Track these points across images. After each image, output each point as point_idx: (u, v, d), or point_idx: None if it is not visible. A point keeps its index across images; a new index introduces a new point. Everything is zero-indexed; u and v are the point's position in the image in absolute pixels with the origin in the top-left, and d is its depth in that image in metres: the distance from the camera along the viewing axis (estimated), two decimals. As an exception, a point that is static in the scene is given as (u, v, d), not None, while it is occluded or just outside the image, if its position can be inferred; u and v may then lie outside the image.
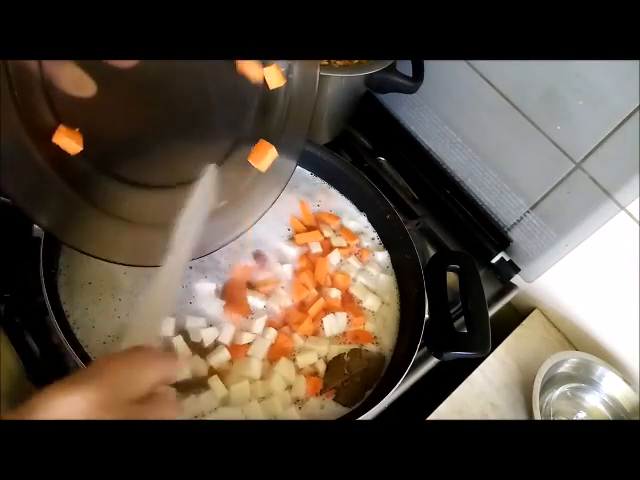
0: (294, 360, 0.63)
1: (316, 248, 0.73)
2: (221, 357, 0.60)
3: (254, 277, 0.69)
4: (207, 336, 0.61)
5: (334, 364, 0.64)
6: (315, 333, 0.66)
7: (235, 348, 0.62)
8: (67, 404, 0.26)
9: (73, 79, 0.45)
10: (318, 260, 0.72)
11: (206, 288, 0.65)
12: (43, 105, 0.46)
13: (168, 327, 0.60)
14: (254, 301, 0.66)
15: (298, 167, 0.81)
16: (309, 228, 0.76)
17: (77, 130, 0.49)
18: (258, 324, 0.64)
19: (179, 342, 0.59)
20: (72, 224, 0.53)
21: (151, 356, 0.34)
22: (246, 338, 0.62)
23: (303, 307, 0.68)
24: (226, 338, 0.62)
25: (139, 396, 0.31)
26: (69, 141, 0.48)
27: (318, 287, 0.70)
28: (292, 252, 0.72)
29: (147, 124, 0.54)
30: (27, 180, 0.48)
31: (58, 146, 0.48)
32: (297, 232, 0.75)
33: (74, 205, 0.52)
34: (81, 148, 0.49)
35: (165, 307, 0.44)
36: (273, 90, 0.57)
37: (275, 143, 0.60)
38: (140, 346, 0.35)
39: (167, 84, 0.52)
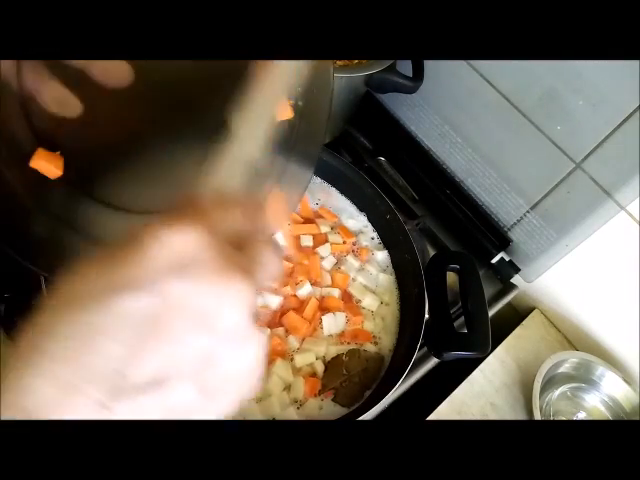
0: (292, 360, 0.63)
1: (307, 241, 0.73)
2: None
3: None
4: None
5: (333, 365, 0.64)
6: (313, 332, 0.66)
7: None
8: (180, 241, 0.25)
9: (56, 97, 0.41)
10: (310, 256, 0.72)
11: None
12: (21, 125, 0.43)
13: None
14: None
15: (298, 167, 0.81)
16: (306, 221, 0.76)
17: (57, 153, 0.44)
18: None
19: None
20: (60, 256, 0.48)
21: (241, 202, 0.31)
22: None
23: (300, 307, 0.67)
24: None
25: (236, 239, 0.28)
26: (48, 165, 0.44)
27: (313, 283, 0.70)
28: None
29: (136, 145, 0.49)
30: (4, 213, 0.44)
31: (36, 171, 0.44)
32: (294, 224, 0.75)
33: (59, 235, 0.48)
34: (61, 172, 0.45)
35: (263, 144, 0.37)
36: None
37: (288, 153, 0.58)
38: (223, 195, 0.32)
39: (157, 101, 0.48)
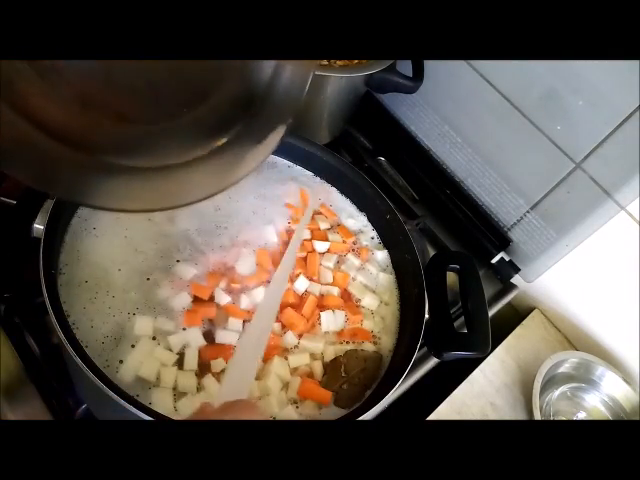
0: (286, 359, 0.62)
1: (305, 235, 0.72)
2: (191, 361, 0.58)
3: (238, 273, 0.67)
4: (175, 343, 0.59)
5: (331, 368, 0.63)
6: (311, 329, 0.66)
7: (219, 347, 0.60)
8: None
9: None
10: (309, 253, 0.71)
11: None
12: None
13: (147, 326, 0.59)
14: (241, 299, 0.64)
15: (299, 167, 0.81)
16: None
17: None
18: (237, 322, 0.62)
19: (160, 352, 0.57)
20: (87, 186, 0.50)
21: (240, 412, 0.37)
22: (226, 336, 0.61)
23: (299, 305, 0.67)
24: (199, 341, 0.60)
25: None
26: None
27: (311, 280, 0.70)
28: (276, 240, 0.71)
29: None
30: (23, 154, 0.45)
31: (45, 110, 0.45)
32: (294, 219, 0.75)
33: (83, 165, 0.49)
34: None
35: (252, 369, 0.51)
36: (252, 86, 0.55)
37: (250, 138, 0.58)
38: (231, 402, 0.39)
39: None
